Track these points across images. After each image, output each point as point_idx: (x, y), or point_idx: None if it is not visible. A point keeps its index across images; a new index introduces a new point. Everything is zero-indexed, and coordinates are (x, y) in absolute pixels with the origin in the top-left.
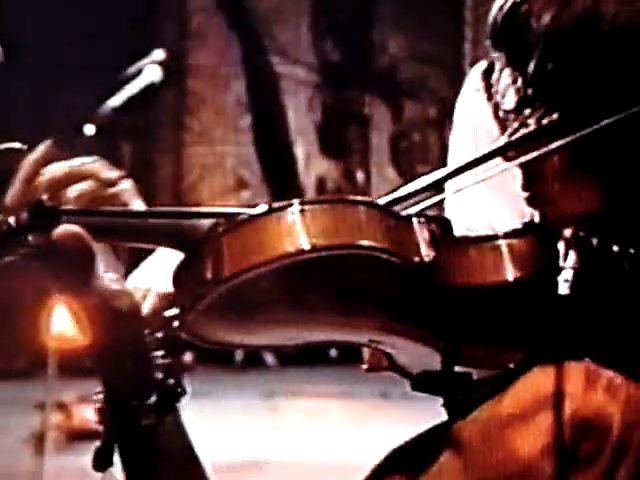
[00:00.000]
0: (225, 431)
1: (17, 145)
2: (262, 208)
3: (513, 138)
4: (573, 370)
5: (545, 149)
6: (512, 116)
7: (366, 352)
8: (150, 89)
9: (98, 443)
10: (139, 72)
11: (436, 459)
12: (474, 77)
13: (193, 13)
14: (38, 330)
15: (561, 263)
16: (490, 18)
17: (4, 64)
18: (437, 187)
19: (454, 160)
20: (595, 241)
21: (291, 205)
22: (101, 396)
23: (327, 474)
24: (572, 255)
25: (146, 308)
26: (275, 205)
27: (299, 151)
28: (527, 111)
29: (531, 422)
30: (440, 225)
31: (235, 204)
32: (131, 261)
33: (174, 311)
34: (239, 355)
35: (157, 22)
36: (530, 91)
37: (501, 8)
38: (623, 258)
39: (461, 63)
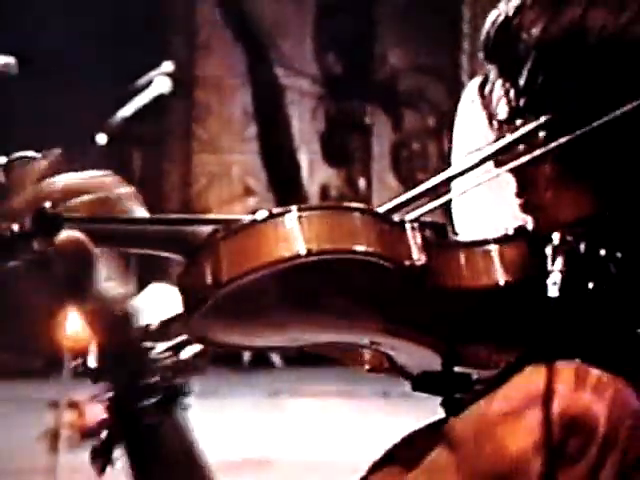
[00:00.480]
0: (233, 429)
1: (30, 153)
2: (261, 214)
3: (496, 145)
4: (563, 370)
5: (528, 156)
6: (505, 126)
7: (367, 353)
8: (159, 99)
9: (97, 442)
10: (149, 83)
11: (429, 456)
12: (471, 90)
13: (201, 27)
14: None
15: (550, 267)
16: (484, 31)
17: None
18: (432, 193)
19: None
20: (582, 246)
21: (289, 211)
22: (108, 395)
23: (330, 470)
24: (560, 259)
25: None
26: (273, 211)
27: (303, 159)
28: (519, 121)
29: (521, 420)
30: (434, 230)
31: (241, 211)
32: (140, 268)
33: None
34: (246, 356)
35: (166, 36)
36: (521, 102)
37: (494, 22)
38: (610, 262)
39: (459, 75)
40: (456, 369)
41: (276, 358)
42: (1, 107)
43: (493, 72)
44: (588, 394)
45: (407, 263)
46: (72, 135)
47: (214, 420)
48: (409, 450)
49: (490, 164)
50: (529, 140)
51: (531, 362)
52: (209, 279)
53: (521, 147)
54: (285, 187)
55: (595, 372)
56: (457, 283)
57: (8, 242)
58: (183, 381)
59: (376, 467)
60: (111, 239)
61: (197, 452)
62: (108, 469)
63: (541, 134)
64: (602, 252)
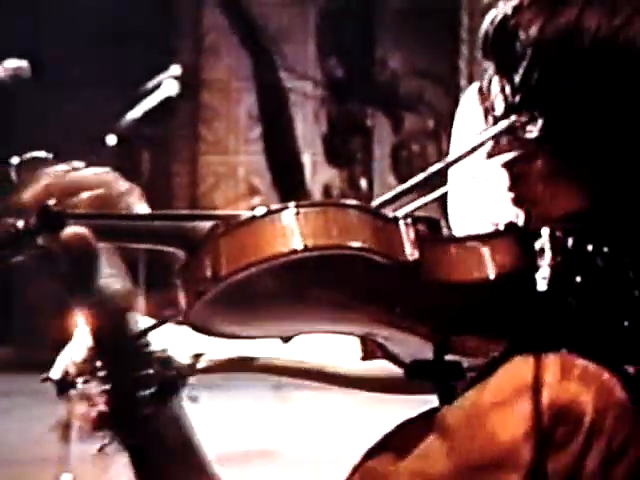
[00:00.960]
0: (238, 420)
1: (42, 154)
2: (259, 210)
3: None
4: (550, 360)
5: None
6: (500, 121)
7: (361, 342)
8: (168, 102)
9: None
10: (158, 86)
11: (422, 444)
12: (471, 91)
13: (207, 32)
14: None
15: (539, 261)
16: (482, 30)
17: (31, 79)
18: (423, 187)
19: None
20: (570, 241)
21: (286, 208)
22: (104, 388)
23: (331, 460)
24: (549, 254)
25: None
26: (271, 208)
27: (306, 160)
28: (513, 117)
29: (511, 409)
30: (427, 225)
31: (246, 210)
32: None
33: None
34: None
35: (174, 40)
36: (517, 98)
37: (492, 21)
38: (597, 257)
39: (457, 79)
40: (447, 357)
41: None
42: (14, 109)
43: (490, 69)
44: (575, 384)
45: (401, 258)
46: (83, 136)
47: (220, 412)
48: (402, 438)
49: (483, 160)
50: (521, 135)
51: (519, 353)
52: (209, 272)
53: (514, 143)
54: (289, 187)
55: (581, 363)
56: (449, 277)
57: (13, 238)
58: (177, 372)
59: (370, 454)
60: (114, 235)
61: (195, 442)
62: (114, 464)
63: (534, 130)
64: (589, 247)
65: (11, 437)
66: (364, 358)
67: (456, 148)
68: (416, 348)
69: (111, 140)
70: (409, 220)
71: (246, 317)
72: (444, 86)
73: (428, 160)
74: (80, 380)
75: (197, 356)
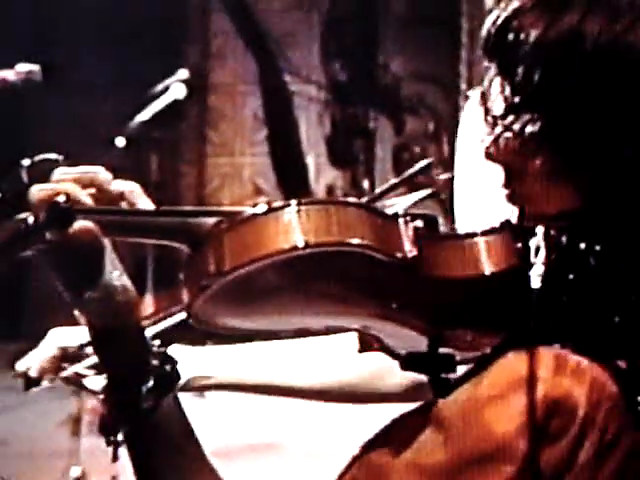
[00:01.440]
0: (244, 415)
1: (53, 156)
2: (261, 208)
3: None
4: (544, 355)
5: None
6: (499, 121)
7: (358, 336)
8: (175, 105)
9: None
10: (166, 89)
11: (418, 436)
12: (475, 96)
13: (214, 37)
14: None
15: (533, 259)
16: (484, 30)
17: (42, 83)
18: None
19: (460, 166)
20: (564, 239)
21: (288, 205)
22: (104, 383)
23: (335, 453)
24: (543, 252)
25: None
26: (273, 205)
27: (310, 161)
28: (512, 117)
29: (506, 403)
30: (425, 222)
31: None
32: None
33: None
34: None
35: (182, 45)
36: (517, 99)
37: (494, 22)
38: (589, 255)
39: (457, 82)
40: (440, 350)
41: None
42: (26, 112)
43: (492, 69)
44: (568, 379)
45: (399, 255)
46: (94, 138)
47: (227, 406)
48: (400, 430)
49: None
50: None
51: (514, 348)
52: (212, 267)
53: (515, 142)
54: (293, 187)
55: (574, 358)
56: (446, 273)
57: (24, 234)
58: (173, 366)
59: (369, 446)
60: (120, 230)
61: (192, 431)
62: (122, 457)
63: (533, 129)
64: (582, 245)
65: (23, 431)
66: (361, 350)
67: (461, 151)
68: (411, 341)
69: (120, 142)
70: (408, 218)
71: (247, 311)
72: (445, 90)
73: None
74: (45, 378)
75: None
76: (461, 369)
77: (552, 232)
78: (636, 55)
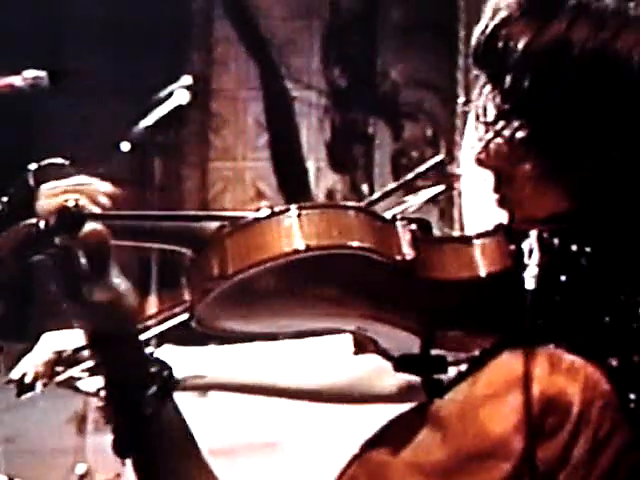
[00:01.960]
0: (245, 414)
1: (59, 160)
2: (263, 212)
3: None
4: (539, 355)
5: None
6: (490, 127)
7: (353, 338)
8: (179, 110)
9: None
10: (169, 95)
11: (416, 436)
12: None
13: (217, 43)
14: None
15: (527, 261)
16: (474, 39)
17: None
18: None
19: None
20: (556, 241)
21: (289, 210)
22: (103, 392)
23: (332, 452)
24: (536, 253)
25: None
26: (275, 209)
27: (310, 166)
28: (502, 123)
29: (503, 401)
30: (421, 226)
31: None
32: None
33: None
34: None
35: (186, 52)
36: (507, 106)
37: (484, 31)
38: (581, 256)
39: (455, 89)
40: (433, 352)
41: None
42: (32, 117)
43: (481, 77)
44: (563, 377)
45: (397, 257)
46: (99, 143)
47: (227, 405)
48: (398, 430)
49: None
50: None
51: (508, 348)
52: (216, 271)
53: (505, 148)
54: (294, 191)
55: (568, 357)
56: (442, 275)
57: (35, 238)
58: (170, 372)
59: (367, 446)
60: (127, 234)
61: (191, 433)
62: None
63: (522, 135)
64: (574, 247)
65: (29, 428)
66: (356, 353)
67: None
68: (404, 343)
69: (125, 147)
70: (405, 221)
71: (248, 314)
72: (442, 96)
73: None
74: (39, 383)
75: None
76: (452, 371)
77: (545, 234)
78: (622, 62)
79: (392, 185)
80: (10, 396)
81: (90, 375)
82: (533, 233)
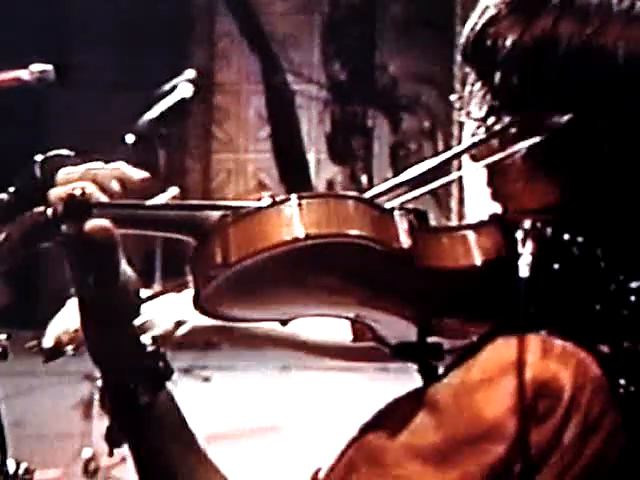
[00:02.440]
0: (247, 399)
1: (65, 152)
2: (265, 201)
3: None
4: (531, 341)
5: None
6: (481, 124)
7: (351, 326)
8: (182, 103)
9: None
10: (173, 89)
11: (413, 420)
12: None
13: (219, 38)
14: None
15: (520, 250)
16: (463, 37)
17: (55, 82)
18: (412, 183)
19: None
20: (549, 231)
21: (289, 199)
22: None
23: (332, 435)
24: (529, 243)
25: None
26: (276, 199)
27: (311, 158)
28: (492, 119)
29: (497, 386)
30: (417, 216)
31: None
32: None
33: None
34: None
35: (189, 46)
36: (496, 102)
37: (472, 29)
38: (573, 245)
39: (452, 82)
40: (429, 339)
41: None
42: (39, 110)
43: (471, 75)
44: (555, 362)
45: (395, 246)
46: (104, 135)
47: (231, 391)
48: (395, 414)
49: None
50: (502, 136)
51: (502, 334)
52: (219, 259)
53: (495, 142)
54: (295, 183)
55: (560, 343)
56: (438, 264)
57: (43, 226)
58: (165, 363)
59: (365, 429)
60: (132, 223)
61: (186, 420)
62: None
63: (513, 130)
64: (566, 237)
65: (37, 414)
66: (354, 340)
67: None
68: (401, 330)
69: (130, 139)
70: (402, 211)
71: (251, 301)
72: (440, 89)
73: (424, 158)
74: (70, 348)
75: (179, 323)
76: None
77: (538, 224)
78: (608, 55)
79: (395, 180)
80: (18, 383)
81: None
82: (526, 223)
